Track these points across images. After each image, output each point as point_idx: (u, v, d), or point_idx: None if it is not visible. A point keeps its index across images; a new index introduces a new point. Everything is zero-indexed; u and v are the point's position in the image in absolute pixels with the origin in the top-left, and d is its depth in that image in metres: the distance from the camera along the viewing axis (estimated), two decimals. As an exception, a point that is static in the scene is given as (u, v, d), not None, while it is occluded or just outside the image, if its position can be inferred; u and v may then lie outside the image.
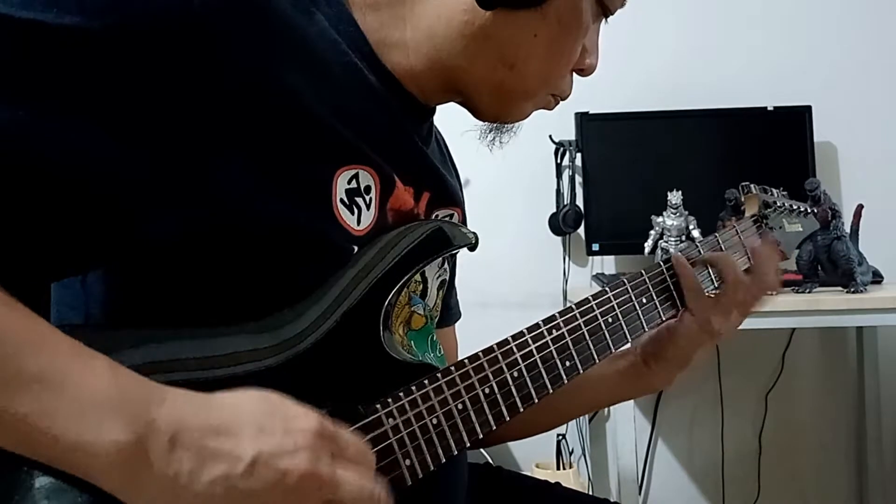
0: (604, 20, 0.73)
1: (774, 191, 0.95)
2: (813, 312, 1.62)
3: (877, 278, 1.81)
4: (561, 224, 2.07)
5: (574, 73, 0.73)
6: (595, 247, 2.03)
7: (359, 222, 0.64)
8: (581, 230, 2.07)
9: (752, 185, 0.91)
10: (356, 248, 0.63)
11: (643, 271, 0.77)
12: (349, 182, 0.63)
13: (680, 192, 1.82)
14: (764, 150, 2.05)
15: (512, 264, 2.11)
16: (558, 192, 2.11)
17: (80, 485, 0.46)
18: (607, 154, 2.03)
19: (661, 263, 0.78)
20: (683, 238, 1.79)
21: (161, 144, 0.52)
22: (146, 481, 0.45)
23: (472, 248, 0.70)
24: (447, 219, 0.78)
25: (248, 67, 0.55)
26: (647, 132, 2.03)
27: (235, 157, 0.55)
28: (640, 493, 2.12)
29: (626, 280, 0.75)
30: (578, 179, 2.09)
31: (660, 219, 1.83)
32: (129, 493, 0.46)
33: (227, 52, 0.54)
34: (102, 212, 0.52)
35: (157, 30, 0.51)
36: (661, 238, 1.82)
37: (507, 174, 2.07)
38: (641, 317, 0.75)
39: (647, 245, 1.84)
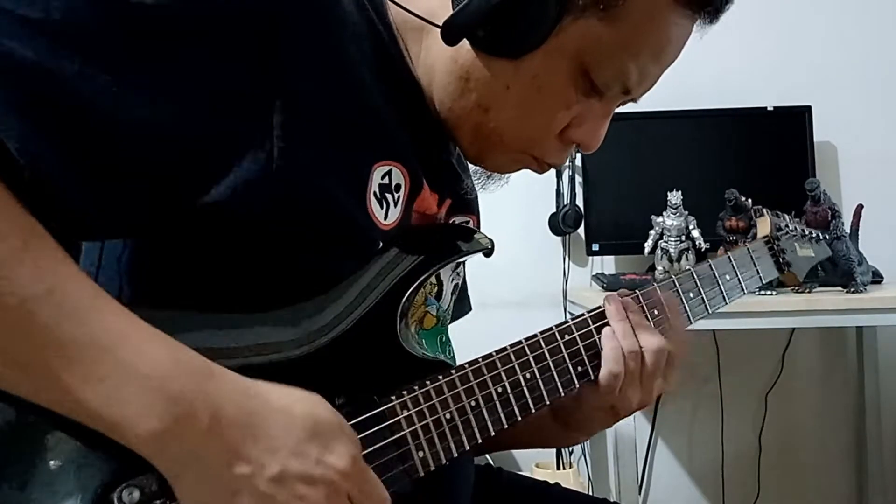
0: (599, 97, 0.66)
1: (787, 216, 0.96)
2: (813, 312, 1.62)
3: (877, 278, 1.81)
4: (561, 224, 2.07)
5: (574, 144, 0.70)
6: (595, 247, 2.03)
7: (386, 217, 0.66)
8: (581, 230, 2.07)
9: (764, 209, 0.93)
10: (381, 244, 0.65)
11: (654, 280, 0.77)
12: (382, 178, 0.65)
13: (680, 192, 1.82)
14: (764, 150, 2.05)
15: (512, 264, 2.11)
16: (558, 192, 2.11)
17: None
18: (607, 154, 2.00)
19: (673, 277, 0.78)
20: (683, 238, 1.79)
21: (228, 115, 0.55)
22: (176, 456, 0.48)
23: (488, 254, 0.71)
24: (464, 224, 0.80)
25: (316, 48, 0.58)
26: (647, 132, 2.03)
27: (294, 134, 0.57)
28: (640, 493, 2.12)
29: (638, 292, 0.75)
30: (578, 179, 2.09)
31: (660, 219, 1.83)
32: (158, 463, 0.48)
33: (298, 34, 0.57)
34: (165, 171, 0.54)
35: (235, 10, 0.54)
36: (661, 238, 1.81)
37: (507, 174, 2.06)
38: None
39: (647, 245, 1.83)
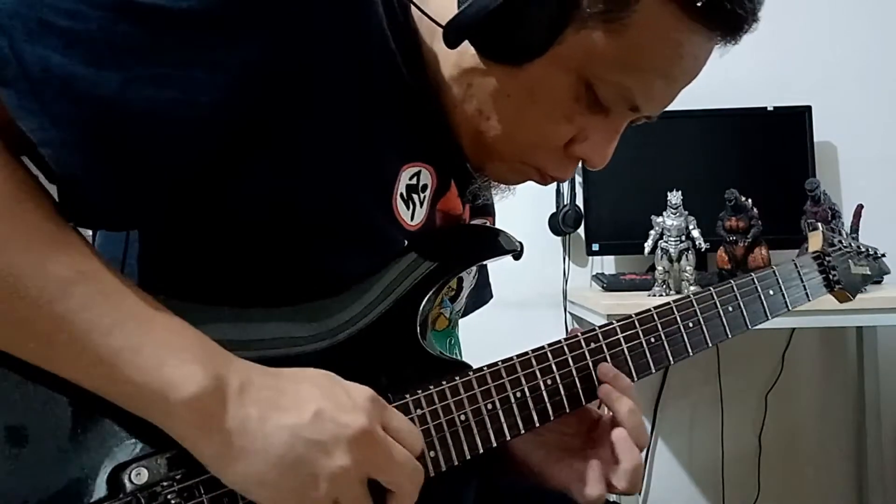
0: (605, 113, 0.64)
1: (843, 231, 0.94)
2: (813, 312, 1.61)
3: (877, 279, 1.81)
4: (561, 224, 2.07)
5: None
6: (595, 247, 2.04)
7: (412, 218, 0.66)
8: (581, 230, 2.07)
9: (819, 223, 0.90)
10: (406, 243, 0.66)
11: (691, 294, 0.75)
12: (410, 178, 0.65)
13: (680, 192, 1.82)
14: (764, 150, 2.05)
15: (512, 264, 2.09)
16: (558, 192, 2.11)
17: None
18: (607, 154, 2.02)
19: (712, 289, 0.76)
20: (683, 238, 1.79)
21: (261, 120, 0.55)
22: (220, 423, 0.49)
23: (517, 256, 0.71)
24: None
25: (345, 54, 0.58)
26: (647, 132, 2.02)
27: (320, 137, 0.58)
28: (640, 493, 2.12)
29: (672, 301, 0.73)
30: (578, 179, 2.09)
31: (660, 219, 1.82)
32: (199, 436, 0.50)
33: (329, 38, 0.57)
34: (184, 168, 0.54)
35: (266, 16, 0.53)
36: (661, 238, 1.81)
37: (507, 174, 2.06)
38: (686, 339, 0.73)
39: (647, 245, 1.83)
